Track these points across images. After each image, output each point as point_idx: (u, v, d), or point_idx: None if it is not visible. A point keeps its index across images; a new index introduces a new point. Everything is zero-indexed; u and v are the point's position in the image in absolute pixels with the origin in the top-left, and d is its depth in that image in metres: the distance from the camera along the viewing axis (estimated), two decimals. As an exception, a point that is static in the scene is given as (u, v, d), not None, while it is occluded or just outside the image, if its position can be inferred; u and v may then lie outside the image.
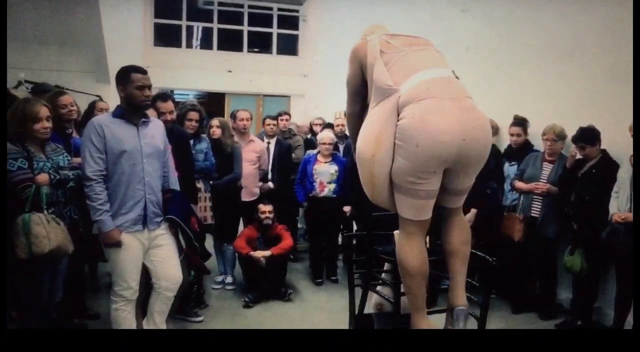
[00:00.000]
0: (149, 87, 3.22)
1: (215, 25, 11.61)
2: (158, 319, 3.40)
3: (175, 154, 3.90)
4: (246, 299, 4.72)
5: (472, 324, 2.64)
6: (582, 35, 4.49)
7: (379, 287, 3.16)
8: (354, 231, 5.53)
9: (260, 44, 11.93)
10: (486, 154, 2.38)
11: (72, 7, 6.07)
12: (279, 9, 11.71)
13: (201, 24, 11.66)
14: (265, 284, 4.82)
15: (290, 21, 11.87)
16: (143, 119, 3.26)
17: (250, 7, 11.66)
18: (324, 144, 5.28)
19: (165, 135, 3.42)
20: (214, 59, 11.55)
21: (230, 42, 11.69)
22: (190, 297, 4.49)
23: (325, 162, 5.29)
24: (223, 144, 5.00)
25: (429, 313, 2.58)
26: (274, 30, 11.80)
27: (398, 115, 2.27)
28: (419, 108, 2.22)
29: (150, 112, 3.76)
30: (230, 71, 11.49)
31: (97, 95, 5.64)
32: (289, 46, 11.92)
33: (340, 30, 9.29)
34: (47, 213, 2.96)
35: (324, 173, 5.26)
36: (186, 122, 4.53)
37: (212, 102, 11.91)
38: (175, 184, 3.48)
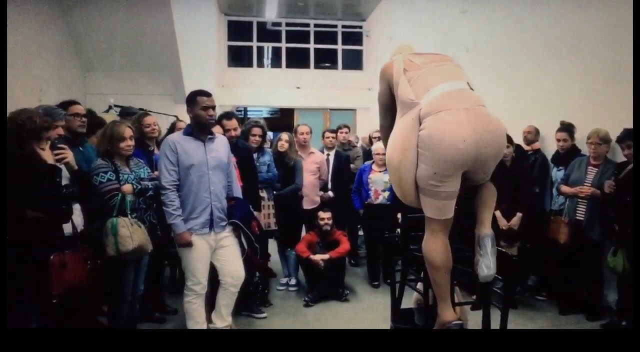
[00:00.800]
0: (213, 107, 3.69)
1: (283, 45, 12.23)
2: (224, 312, 3.85)
3: (240, 165, 4.40)
4: (306, 299, 5.11)
5: (495, 314, 2.90)
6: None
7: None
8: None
9: (326, 60, 12.42)
10: (501, 154, 2.71)
11: (153, 38, 6.75)
12: (343, 26, 12.17)
13: (271, 44, 12.31)
14: (324, 285, 5.19)
15: (354, 37, 12.30)
16: (209, 136, 3.73)
17: (315, 26, 12.20)
18: (377, 154, 5.60)
19: (228, 149, 3.89)
20: (283, 77, 12.15)
21: (298, 60, 12.27)
22: (255, 296, 4.94)
23: (380, 171, 5.61)
24: (288, 158, 5.43)
25: (455, 305, 2.87)
26: (339, 47, 12.26)
27: (420, 125, 2.60)
28: (436, 120, 2.53)
29: (217, 129, 4.26)
30: (298, 87, 12.03)
31: (175, 116, 6.25)
32: (353, 61, 12.34)
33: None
34: (131, 217, 3.47)
35: (378, 182, 5.58)
36: (250, 137, 5.01)
37: (284, 117, 12.51)
38: (238, 192, 3.93)
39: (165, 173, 3.57)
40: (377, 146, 5.68)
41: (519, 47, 5.31)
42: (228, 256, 3.78)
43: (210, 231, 3.67)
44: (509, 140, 4.66)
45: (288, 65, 12.33)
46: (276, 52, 12.37)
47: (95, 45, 6.76)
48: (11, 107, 3.18)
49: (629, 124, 3.85)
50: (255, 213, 4.67)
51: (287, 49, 12.27)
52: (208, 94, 3.71)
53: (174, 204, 3.55)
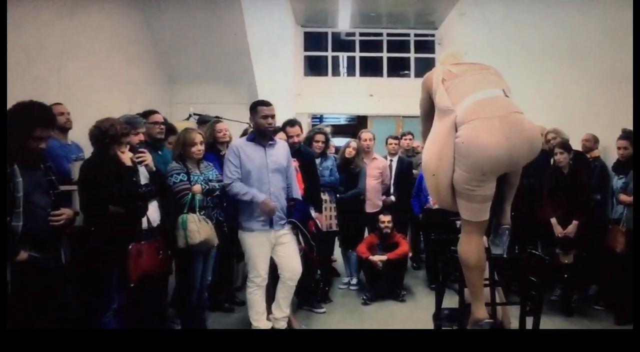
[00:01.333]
0: (272, 116, 4.01)
1: (357, 54, 12.51)
2: (283, 304, 4.15)
3: (302, 169, 4.70)
4: (364, 297, 5.32)
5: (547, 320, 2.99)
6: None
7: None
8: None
9: (399, 68, 12.57)
10: (534, 157, 2.81)
11: (229, 49, 7.24)
12: (416, 35, 12.27)
13: (345, 54, 12.63)
14: (382, 285, 5.38)
15: (426, 45, 12.37)
16: (270, 142, 4.06)
17: (388, 35, 12.38)
18: (437, 160, 5.72)
19: (288, 154, 4.19)
20: (357, 85, 12.43)
21: (371, 68, 12.50)
22: (317, 293, 5.21)
23: (439, 177, 5.72)
24: (354, 164, 5.69)
25: (487, 305, 3.00)
26: (412, 55, 12.38)
27: (456, 132, 2.76)
28: (470, 128, 2.67)
29: (281, 135, 4.59)
30: (371, 95, 12.25)
31: (247, 123, 6.67)
32: (425, 69, 12.36)
33: (474, 51, 9.56)
34: (199, 214, 3.84)
35: (438, 187, 5.69)
36: (314, 143, 5.30)
37: (360, 125, 12.78)
38: (297, 194, 4.23)
39: (228, 173, 3.94)
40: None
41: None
42: (286, 252, 4.08)
43: (270, 229, 3.99)
44: (566, 146, 4.66)
45: (362, 74, 12.60)
46: (350, 61, 12.67)
47: (178, 57, 7.26)
48: (104, 114, 3.66)
49: (627, 126, 3.81)
50: (316, 214, 4.96)
51: (361, 58, 12.54)
52: (268, 104, 4.04)
53: (243, 189, 3.91)
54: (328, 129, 5.66)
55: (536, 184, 4.80)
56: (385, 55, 12.47)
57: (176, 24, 6.77)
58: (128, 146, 3.55)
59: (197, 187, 3.92)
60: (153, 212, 3.83)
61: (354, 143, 5.74)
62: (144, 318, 3.70)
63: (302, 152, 4.89)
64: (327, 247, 5.52)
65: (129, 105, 6.05)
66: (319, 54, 12.64)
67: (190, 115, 6.70)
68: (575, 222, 4.59)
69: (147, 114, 4.49)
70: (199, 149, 4.00)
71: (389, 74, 12.53)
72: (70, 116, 4.13)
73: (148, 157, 3.82)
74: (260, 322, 4.09)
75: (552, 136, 5.13)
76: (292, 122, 4.86)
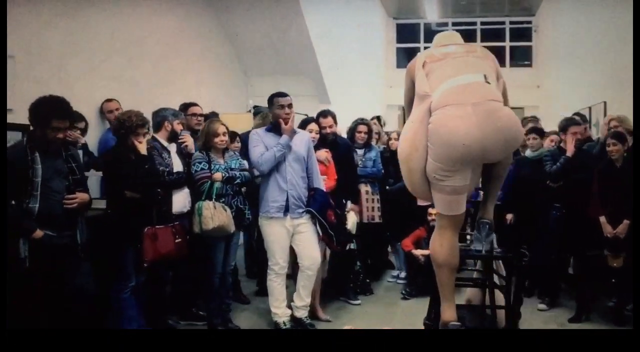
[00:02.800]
0: (289, 105, 3.98)
1: (450, 44, 11.99)
2: (303, 293, 4.12)
3: (337, 160, 4.62)
4: (403, 292, 5.12)
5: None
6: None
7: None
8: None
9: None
10: (512, 149, 2.61)
11: (295, 50, 7.32)
12: (511, 22, 11.50)
13: (437, 45, 12.14)
14: (423, 280, 5.12)
15: (522, 33, 11.55)
16: (289, 132, 4.04)
17: (482, 23, 11.72)
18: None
19: (308, 144, 4.14)
20: (449, 76, 11.91)
21: (464, 59, 11.91)
22: (355, 284, 5.11)
23: (491, 170, 5.34)
24: None
25: (459, 307, 2.76)
26: (507, 44, 11.62)
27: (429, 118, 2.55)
28: (442, 114, 2.47)
29: (312, 126, 4.54)
30: (464, 86, 11.68)
31: (305, 114, 6.69)
32: (522, 58, 11.60)
33: (575, 38, 8.79)
34: (216, 201, 3.91)
35: (488, 180, 5.31)
36: (356, 134, 5.18)
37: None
38: (318, 184, 4.17)
39: (256, 155, 3.96)
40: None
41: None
42: (304, 241, 4.04)
43: (286, 216, 3.97)
44: (620, 137, 4.13)
45: (455, 65, 12.06)
46: (443, 52, 12.19)
47: (252, 50, 7.40)
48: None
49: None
50: (352, 205, 4.86)
51: (454, 48, 12.01)
52: (284, 95, 4.03)
53: (268, 154, 3.92)
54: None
55: (587, 179, 4.29)
56: (479, 45, 11.80)
57: (248, 19, 6.94)
58: (147, 136, 3.71)
59: (217, 175, 3.99)
60: (182, 199, 3.99)
61: (395, 134, 5.52)
62: (158, 297, 3.88)
63: (338, 143, 4.80)
64: (371, 239, 5.38)
65: (210, 98, 6.33)
66: (411, 45, 12.29)
67: (254, 107, 6.85)
68: (626, 222, 4.04)
69: (187, 106, 4.68)
70: (222, 139, 4.07)
71: (483, 64, 11.86)
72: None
73: (189, 140, 4.13)
74: (279, 309, 4.10)
75: (614, 124, 4.57)
76: (324, 113, 4.78)
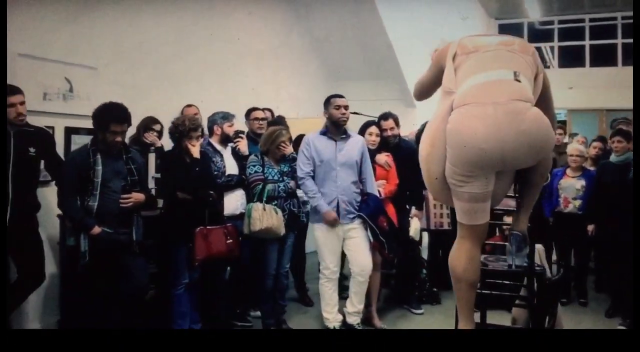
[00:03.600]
0: (345, 107, 3.91)
1: (556, 44, 11.20)
2: (355, 299, 4.03)
3: (401, 164, 4.47)
4: (471, 303, 4.80)
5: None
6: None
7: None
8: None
9: (604, 57, 10.87)
10: (539, 156, 2.31)
11: (377, 54, 7.19)
12: (623, 17, 10.45)
13: (542, 44, 11.39)
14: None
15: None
16: (342, 136, 3.96)
17: (591, 20, 10.79)
18: (570, 156, 4.86)
19: (363, 148, 4.04)
20: (555, 77, 11.10)
21: (571, 58, 11.08)
22: (421, 293, 4.89)
23: (573, 177, 4.85)
24: None
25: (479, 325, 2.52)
26: (619, 41, 10.58)
27: None
28: (460, 113, 2.27)
29: (373, 129, 4.41)
30: (571, 88, 10.86)
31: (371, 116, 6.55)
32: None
33: None
34: (265, 204, 3.92)
35: (569, 188, 4.82)
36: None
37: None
38: (372, 189, 4.05)
39: (301, 165, 3.95)
40: (572, 147, 4.93)
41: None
42: (355, 246, 3.94)
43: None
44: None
45: (561, 65, 11.24)
46: (548, 51, 11.39)
47: (337, 54, 7.41)
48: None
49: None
50: (415, 211, 4.67)
51: (560, 47, 11.18)
52: (340, 96, 3.96)
53: (312, 188, 3.90)
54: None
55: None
56: (587, 43, 10.88)
57: (334, 24, 6.95)
58: (200, 139, 3.82)
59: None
60: (234, 201, 4.08)
61: None
62: (210, 295, 3.97)
63: (402, 147, 4.63)
64: (441, 247, 5.12)
65: (276, 103, 6.43)
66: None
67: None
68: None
69: (249, 111, 4.77)
70: (283, 146, 4.08)
71: (592, 64, 10.90)
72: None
73: (242, 143, 4.21)
74: (330, 314, 4.03)
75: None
76: (385, 116, 4.63)
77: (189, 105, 5.04)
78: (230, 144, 4.25)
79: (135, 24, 4.45)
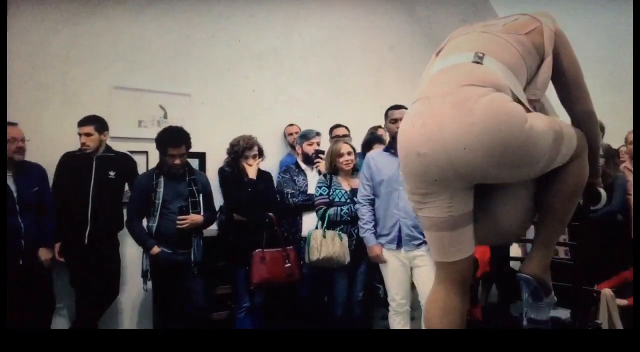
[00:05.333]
0: (402, 119, 3.42)
1: None
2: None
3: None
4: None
5: None
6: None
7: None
8: None
9: None
10: (514, 162, 1.55)
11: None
12: None
13: None
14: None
15: None
16: (406, 152, 3.48)
17: None
18: None
19: None
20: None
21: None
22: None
23: None
24: (605, 175, 4.22)
25: None
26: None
27: None
28: (407, 114, 1.74)
29: None
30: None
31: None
32: None
33: None
34: (327, 230, 3.58)
35: None
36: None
37: None
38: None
39: (361, 188, 3.56)
40: None
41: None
42: (422, 276, 3.39)
43: (398, 248, 3.41)
44: None
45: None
46: None
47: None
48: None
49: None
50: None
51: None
52: (399, 107, 3.53)
53: (365, 217, 3.50)
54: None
55: None
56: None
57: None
58: (257, 159, 3.67)
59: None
60: (313, 222, 3.82)
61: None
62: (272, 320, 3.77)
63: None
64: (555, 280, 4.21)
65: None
66: None
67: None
68: None
69: (332, 128, 4.52)
70: (346, 159, 3.75)
71: None
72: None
73: (322, 163, 3.94)
74: (400, 350, 3.53)
75: None
76: None
77: (290, 125, 4.97)
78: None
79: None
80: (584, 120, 1.84)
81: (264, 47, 5.07)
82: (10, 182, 3.38)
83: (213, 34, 4.75)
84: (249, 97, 4.95)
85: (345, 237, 3.61)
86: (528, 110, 1.62)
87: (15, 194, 3.39)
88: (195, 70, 4.68)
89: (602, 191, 2.04)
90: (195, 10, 4.65)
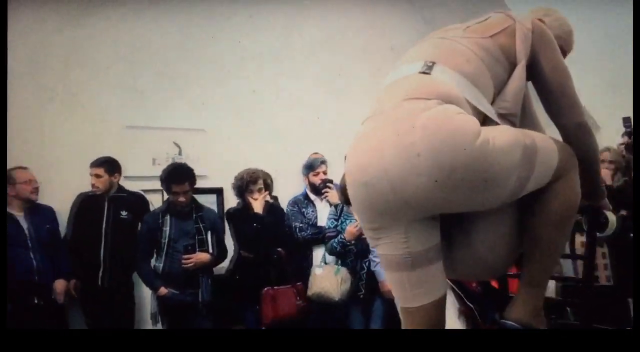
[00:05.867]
0: None
1: None
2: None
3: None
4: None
5: None
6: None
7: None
8: None
9: None
10: (477, 183, 1.30)
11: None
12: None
13: None
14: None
15: None
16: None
17: None
18: None
19: None
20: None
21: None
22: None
23: None
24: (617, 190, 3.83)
25: None
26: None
27: None
28: (354, 137, 1.49)
29: None
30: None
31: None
32: None
33: None
34: (327, 264, 3.44)
35: None
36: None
37: None
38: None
39: None
40: None
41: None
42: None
43: None
44: None
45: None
46: None
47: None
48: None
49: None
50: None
51: None
52: None
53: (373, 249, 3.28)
54: None
55: None
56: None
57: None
58: (264, 194, 3.54)
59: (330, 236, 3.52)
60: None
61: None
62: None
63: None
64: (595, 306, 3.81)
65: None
66: None
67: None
68: None
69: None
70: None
71: None
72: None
73: (331, 193, 3.72)
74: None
75: None
76: None
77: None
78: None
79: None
80: (574, 134, 1.57)
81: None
82: (22, 220, 3.41)
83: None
84: (157, 77, 4.65)
85: (342, 272, 3.39)
86: (497, 124, 1.41)
87: (27, 232, 3.39)
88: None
89: (610, 215, 1.74)
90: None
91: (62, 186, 3.79)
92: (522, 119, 1.55)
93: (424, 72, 1.41)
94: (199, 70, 4.58)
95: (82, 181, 3.75)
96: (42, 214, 3.53)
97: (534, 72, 1.54)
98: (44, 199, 3.62)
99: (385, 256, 1.47)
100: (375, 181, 1.34)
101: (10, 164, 3.34)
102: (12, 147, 3.36)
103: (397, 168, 1.31)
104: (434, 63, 1.42)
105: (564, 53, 1.65)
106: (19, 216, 3.40)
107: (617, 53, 4.05)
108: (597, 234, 1.77)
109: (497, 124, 1.41)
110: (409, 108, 1.33)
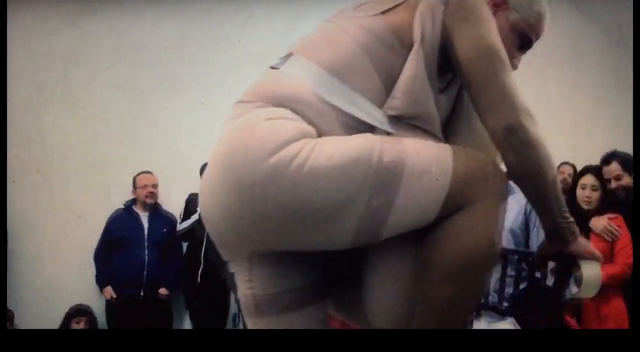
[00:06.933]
0: None
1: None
2: None
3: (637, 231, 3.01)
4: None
5: None
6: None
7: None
8: None
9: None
10: (246, 215, 1.00)
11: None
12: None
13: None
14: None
15: None
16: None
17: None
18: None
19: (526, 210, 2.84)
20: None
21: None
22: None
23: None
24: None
25: None
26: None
27: None
28: None
29: (586, 179, 2.89)
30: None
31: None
32: None
33: None
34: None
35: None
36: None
37: None
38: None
39: None
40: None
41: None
42: None
43: (478, 318, 2.76)
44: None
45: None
46: None
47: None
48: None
49: (629, 133, 2.80)
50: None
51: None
52: None
53: None
54: None
55: None
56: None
57: None
58: None
59: None
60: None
61: None
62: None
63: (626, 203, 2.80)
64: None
65: None
66: None
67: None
68: None
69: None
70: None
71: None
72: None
73: None
74: None
75: None
76: (608, 158, 2.86)
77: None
78: None
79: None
80: (506, 142, 1.07)
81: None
82: (144, 220, 3.72)
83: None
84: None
85: None
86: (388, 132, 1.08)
87: (146, 231, 3.67)
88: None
89: (588, 268, 1.20)
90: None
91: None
92: (452, 126, 1.18)
93: (273, 67, 1.15)
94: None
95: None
96: (162, 218, 3.79)
97: (450, 57, 1.11)
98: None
99: (252, 296, 1.13)
100: (204, 207, 1.10)
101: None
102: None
103: (205, 194, 1.07)
104: (290, 54, 1.14)
105: (528, 41, 1.23)
106: (143, 215, 3.72)
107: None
108: (566, 295, 1.31)
109: (388, 132, 1.07)
110: (230, 115, 1.09)
